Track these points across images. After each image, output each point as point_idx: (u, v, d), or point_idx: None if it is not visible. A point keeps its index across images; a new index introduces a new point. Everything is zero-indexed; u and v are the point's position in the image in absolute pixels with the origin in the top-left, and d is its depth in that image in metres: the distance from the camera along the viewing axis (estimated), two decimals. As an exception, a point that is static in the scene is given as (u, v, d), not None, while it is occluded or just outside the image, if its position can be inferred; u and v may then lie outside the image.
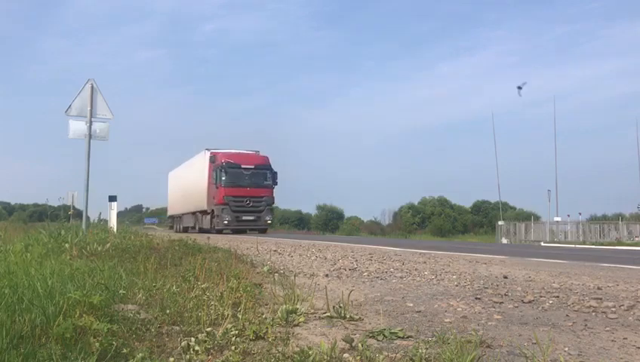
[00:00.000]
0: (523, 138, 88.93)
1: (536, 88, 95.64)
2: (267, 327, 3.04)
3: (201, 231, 29.59)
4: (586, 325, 3.73)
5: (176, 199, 37.53)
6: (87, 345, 2.39)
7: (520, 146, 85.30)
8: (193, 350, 2.58)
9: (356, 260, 9.48)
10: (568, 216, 33.38)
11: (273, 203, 30.32)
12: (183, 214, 35.33)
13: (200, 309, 3.36)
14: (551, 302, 4.78)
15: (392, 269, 7.72)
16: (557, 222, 33.08)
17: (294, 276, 5.73)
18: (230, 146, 30.40)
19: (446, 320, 3.79)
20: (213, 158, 28.40)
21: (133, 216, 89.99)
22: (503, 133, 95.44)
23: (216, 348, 2.69)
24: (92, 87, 10.63)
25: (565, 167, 70.31)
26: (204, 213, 29.89)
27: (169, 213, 41.35)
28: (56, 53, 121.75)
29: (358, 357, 2.58)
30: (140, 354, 2.38)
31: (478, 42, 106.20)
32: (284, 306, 3.63)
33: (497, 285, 5.93)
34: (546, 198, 34.33)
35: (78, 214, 19.88)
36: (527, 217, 38.44)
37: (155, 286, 4.12)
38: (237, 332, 2.92)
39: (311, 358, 2.47)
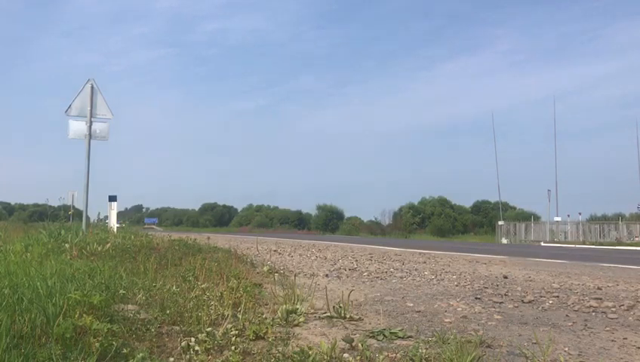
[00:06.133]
0: (523, 138, 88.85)
1: (537, 88, 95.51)
2: (267, 327, 3.04)
3: None
4: (586, 325, 3.73)
5: None
6: (87, 345, 2.39)
7: (520, 146, 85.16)
8: (193, 350, 2.58)
9: (356, 260, 9.48)
10: (568, 216, 33.43)
11: None
12: None
13: (200, 309, 3.36)
14: (551, 302, 4.78)
15: (392, 269, 7.73)
16: (557, 222, 33.08)
17: (294, 276, 5.73)
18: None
19: (446, 320, 3.79)
20: None
21: (133, 216, 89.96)
22: (503, 133, 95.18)
23: (216, 348, 2.69)
24: (92, 87, 10.63)
25: (565, 167, 70.20)
26: None
27: None
28: (56, 53, 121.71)
29: (358, 357, 2.58)
30: (140, 354, 2.38)
31: (479, 42, 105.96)
32: (284, 306, 3.63)
33: (497, 285, 5.93)
34: (546, 198, 34.39)
35: (78, 214, 19.88)
36: (527, 217, 38.44)
37: (155, 286, 4.12)
38: (237, 332, 2.92)
39: (311, 358, 2.47)
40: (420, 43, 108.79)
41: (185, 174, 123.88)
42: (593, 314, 4.22)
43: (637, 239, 28.68)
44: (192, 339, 2.69)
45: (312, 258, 10.05)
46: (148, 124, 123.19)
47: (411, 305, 4.49)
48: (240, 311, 3.41)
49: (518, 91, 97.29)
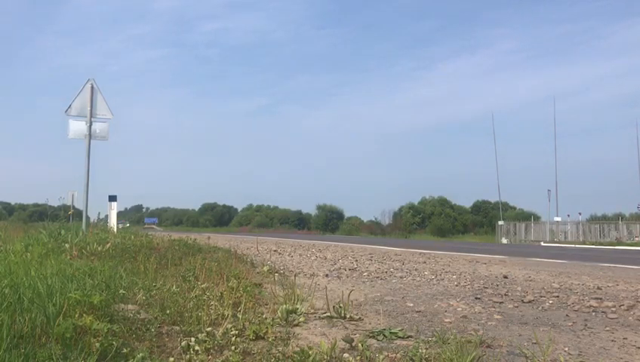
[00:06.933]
0: (523, 138, 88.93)
1: (537, 88, 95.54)
2: (267, 327, 3.04)
3: None
4: (586, 325, 3.73)
5: None
6: (87, 345, 2.39)
7: (520, 146, 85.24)
8: (193, 350, 2.58)
9: (356, 260, 9.48)
10: (568, 216, 33.42)
11: None
12: None
13: (200, 309, 3.36)
14: (551, 301, 4.78)
15: (392, 269, 7.73)
16: (557, 222, 33.07)
17: (294, 276, 5.73)
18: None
19: (446, 320, 3.79)
20: None
21: (133, 216, 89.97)
22: (503, 133, 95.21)
23: (216, 348, 2.69)
24: (92, 87, 10.63)
25: (565, 167, 70.24)
26: None
27: None
28: (56, 53, 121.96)
29: (358, 357, 2.58)
30: (140, 354, 2.38)
31: (479, 42, 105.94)
32: (284, 306, 3.63)
33: (497, 285, 5.93)
34: (546, 198, 34.38)
35: (78, 214, 19.88)
36: (527, 217, 38.43)
37: (155, 286, 4.12)
38: (237, 332, 2.92)
39: (311, 358, 2.47)
40: (420, 43, 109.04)
41: (185, 174, 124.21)
42: (593, 314, 4.21)
43: (637, 239, 28.67)
44: (192, 339, 2.69)
45: (312, 258, 10.05)
46: (148, 124, 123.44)
47: (411, 305, 4.49)
48: (240, 311, 3.41)
49: (518, 91, 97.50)
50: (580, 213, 33.46)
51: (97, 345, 2.38)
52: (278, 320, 3.43)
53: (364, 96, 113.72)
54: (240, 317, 3.27)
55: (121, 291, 3.64)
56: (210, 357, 2.57)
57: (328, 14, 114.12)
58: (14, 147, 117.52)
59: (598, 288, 5.74)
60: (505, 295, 5.13)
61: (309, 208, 73.70)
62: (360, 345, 2.73)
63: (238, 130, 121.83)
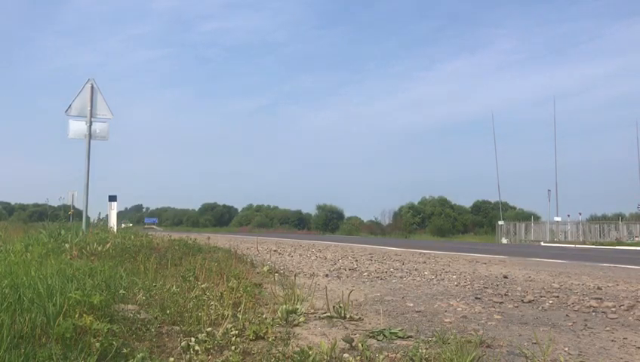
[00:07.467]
0: (523, 138, 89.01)
1: (537, 88, 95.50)
2: (267, 327, 3.04)
3: None
4: (586, 325, 3.73)
5: None
6: (87, 345, 2.39)
7: (520, 146, 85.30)
8: (193, 350, 2.58)
9: (356, 260, 9.48)
10: (568, 216, 33.43)
11: None
12: None
13: (200, 309, 3.36)
14: (551, 301, 4.78)
15: (392, 269, 7.73)
16: (557, 222, 33.06)
17: (294, 276, 5.73)
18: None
19: (446, 320, 3.79)
20: None
21: (133, 216, 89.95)
22: (503, 133, 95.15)
23: (216, 348, 2.69)
24: (92, 87, 10.64)
25: (565, 167, 70.26)
26: None
27: None
28: (56, 53, 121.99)
29: (358, 357, 2.58)
30: (140, 354, 2.38)
31: (479, 42, 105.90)
32: (284, 306, 3.63)
33: (497, 285, 5.93)
34: (546, 198, 34.39)
35: (78, 214, 19.87)
36: (527, 217, 38.43)
37: (155, 286, 4.12)
38: (237, 332, 2.92)
39: (311, 358, 2.47)
40: (420, 43, 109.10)
41: (185, 174, 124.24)
42: (593, 314, 4.21)
43: (637, 239, 28.67)
44: (192, 339, 2.69)
45: (312, 258, 10.05)
46: (148, 124, 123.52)
47: (411, 305, 4.49)
48: (240, 311, 3.41)
49: (518, 91, 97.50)
50: (580, 213, 33.52)
51: (97, 345, 2.38)
52: (278, 320, 3.43)
53: (364, 96, 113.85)
54: (240, 317, 3.27)
55: (121, 291, 3.64)
56: (210, 357, 2.57)
57: (328, 14, 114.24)
58: (14, 147, 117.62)
59: (598, 288, 5.74)
60: (505, 295, 5.13)
61: (309, 208, 73.80)
62: (360, 345, 2.73)
63: (239, 130, 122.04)
